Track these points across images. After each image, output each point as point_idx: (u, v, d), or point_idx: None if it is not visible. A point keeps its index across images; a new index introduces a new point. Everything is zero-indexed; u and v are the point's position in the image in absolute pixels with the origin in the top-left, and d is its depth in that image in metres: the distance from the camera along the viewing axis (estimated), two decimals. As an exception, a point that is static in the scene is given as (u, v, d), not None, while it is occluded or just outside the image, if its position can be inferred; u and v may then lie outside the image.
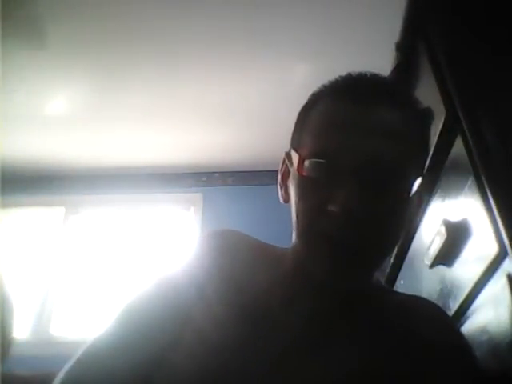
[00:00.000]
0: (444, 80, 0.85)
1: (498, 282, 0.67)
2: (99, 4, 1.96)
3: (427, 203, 0.93)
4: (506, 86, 0.79)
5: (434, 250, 0.84)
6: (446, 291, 0.84)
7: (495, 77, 0.80)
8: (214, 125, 2.69)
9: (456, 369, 0.64)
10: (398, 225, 0.65)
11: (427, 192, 0.89)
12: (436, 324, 0.68)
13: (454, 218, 0.81)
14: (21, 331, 2.53)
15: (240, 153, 2.92)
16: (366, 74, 0.68)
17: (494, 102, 0.78)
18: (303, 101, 0.72)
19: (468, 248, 0.76)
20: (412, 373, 0.63)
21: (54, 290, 2.78)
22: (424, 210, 0.94)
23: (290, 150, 0.71)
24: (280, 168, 0.75)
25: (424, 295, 0.83)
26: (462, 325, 0.77)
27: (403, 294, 0.80)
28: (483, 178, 0.71)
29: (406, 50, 1.08)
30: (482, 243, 0.71)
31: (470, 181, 0.74)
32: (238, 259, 0.75)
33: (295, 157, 0.66)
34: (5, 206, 2.76)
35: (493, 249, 0.67)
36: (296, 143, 0.69)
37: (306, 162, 0.63)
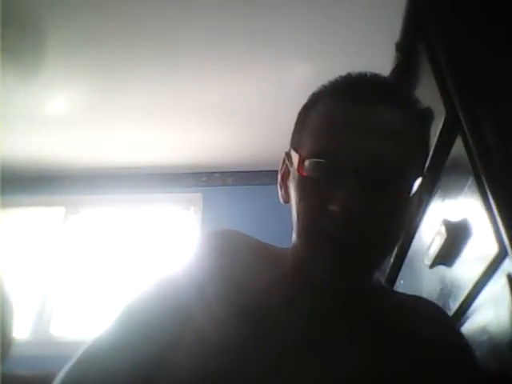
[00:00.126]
0: (444, 80, 0.85)
1: (498, 281, 0.67)
2: (99, 4, 1.96)
3: (427, 203, 0.93)
4: (506, 86, 0.79)
5: (434, 250, 0.84)
6: (446, 291, 0.84)
7: (495, 77, 0.80)
8: (214, 125, 2.69)
9: (456, 369, 0.64)
10: (398, 225, 0.65)
11: (427, 192, 0.89)
12: (436, 324, 0.68)
13: (454, 217, 0.81)
14: (21, 331, 2.53)
15: (240, 153, 2.92)
16: (365, 74, 0.68)
17: (494, 101, 0.78)
18: (303, 101, 0.72)
19: (468, 248, 0.76)
20: (412, 373, 0.63)
21: (53, 290, 2.78)
22: (424, 210, 0.94)
23: (289, 150, 0.71)
24: (280, 168, 0.75)
25: (424, 295, 0.83)
26: (462, 325, 0.77)
27: (403, 293, 0.80)
28: (483, 178, 0.71)
29: (406, 49, 1.08)
30: (482, 243, 0.71)
31: (470, 181, 0.74)
32: (238, 259, 0.75)
33: (295, 157, 0.66)
34: (5, 206, 2.76)
35: (493, 249, 0.67)
36: (296, 143, 0.69)
37: (306, 162, 0.63)
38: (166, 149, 2.90)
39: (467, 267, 0.76)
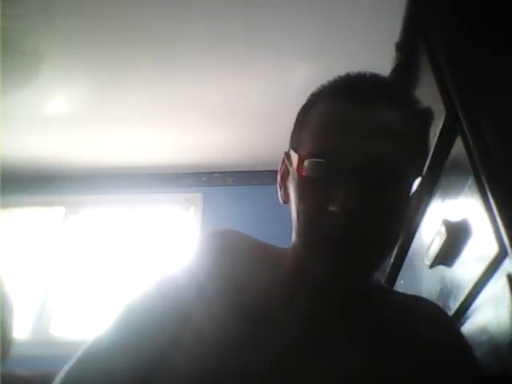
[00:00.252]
0: (444, 80, 0.85)
1: (498, 281, 0.67)
2: (99, 4, 1.96)
3: (427, 203, 0.93)
4: (506, 86, 0.79)
5: (434, 250, 0.84)
6: (446, 291, 0.84)
7: (495, 77, 0.80)
8: (214, 125, 2.69)
9: (456, 369, 0.64)
10: (398, 225, 0.65)
11: (427, 192, 0.89)
12: (436, 324, 0.68)
13: (454, 217, 0.81)
14: (21, 331, 2.54)
15: (240, 153, 2.92)
16: (365, 74, 0.68)
17: (494, 101, 0.78)
18: (303, 101, 0.72)
19: (468, 248, 0.76)
20: (412, 373, 0.63)
21: (54, 290, 2.78)
22: (424, 210, 0.94)
23: (289, 150, 0.71)
24: (279, 168, 0.74)
25: (424, 295, 0.83)
26: (462, 325, 0.77)
27: (403, 293, 0.80)
28: (483, 178, 0.71)
29: (406, 49, 1.08)
30: (482, 243, 0.71)
31: (470, 181, 0.74)
32: (238, 259, 0.75)
33: (295, 157, 0.66)
34: (5, 206, 2.76)
35: (493, 249, 0.67)
36: (295, 143, 0.69)
37: (306, 162, 0.63)
38: (166, 149, 2.90)
39: (467, 267, 0.76)
